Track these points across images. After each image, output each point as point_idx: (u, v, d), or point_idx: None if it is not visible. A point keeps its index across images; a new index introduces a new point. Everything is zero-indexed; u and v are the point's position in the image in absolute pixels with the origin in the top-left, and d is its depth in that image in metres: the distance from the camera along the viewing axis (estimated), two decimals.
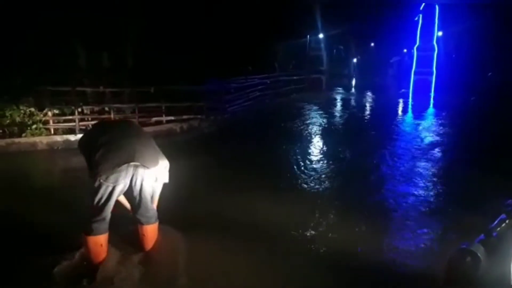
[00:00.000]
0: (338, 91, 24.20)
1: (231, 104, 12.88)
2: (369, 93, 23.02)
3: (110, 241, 3.19)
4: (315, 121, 11.96)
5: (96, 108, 10.10)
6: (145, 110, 10.27)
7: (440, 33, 22.98)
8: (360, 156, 7.48)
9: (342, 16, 26.18)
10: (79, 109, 9.21)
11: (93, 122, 9.11)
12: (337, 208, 4.70)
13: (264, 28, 19.35)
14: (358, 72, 38.08)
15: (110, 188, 3.01)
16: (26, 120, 8.49)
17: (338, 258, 3.49)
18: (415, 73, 22.16)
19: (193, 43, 14.61)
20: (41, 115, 8.75)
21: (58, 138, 8.43)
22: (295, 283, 3.14)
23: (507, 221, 2.90)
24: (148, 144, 3.30)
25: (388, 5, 26.35)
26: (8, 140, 8.02)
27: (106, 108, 10.03)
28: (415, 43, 22.70)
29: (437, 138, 9.36)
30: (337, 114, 14.63)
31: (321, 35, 28.09)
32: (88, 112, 9.85)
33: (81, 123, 9.00)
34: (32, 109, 8.63)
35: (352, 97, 21.78)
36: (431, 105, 17.20)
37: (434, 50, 21.89)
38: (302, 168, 6.53)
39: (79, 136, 8.08)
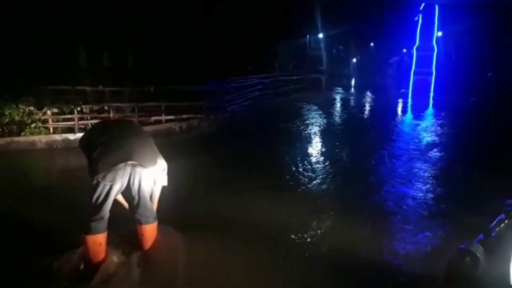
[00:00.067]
0: (338, 91, 24.22)
1: (230, 104, 12.90)
2: (368, 93, 23.05)
3: (109, 240, 3.18)
4: (315, 121, 11.96)
5: (95, 107, 10.11)
6: (145, 110, 10.27)
7: (439, 33, 23.00)
8: (359, 156, 7.49)
9: (342, 16, 26.22)
10: (78, 108, 9.21)
11: (92, 121, 9.12)
12: (337, 208, 4.70)
13: (264, 28, 19.36)
14: (357, 72, 38.12)
15: (107, 187, 3.01)
16: (25, 119, 8.49)
17: (338, 258, 3.49)
18: (414, 73, 22.17)
19: (193, 43, 14.62)
20: (40, 114, 8.75)
21: (57, 137, 8.43)
22: (295, 283, 3.14)
23: (506, 221, 2.90)
24: (147, 144, 3.30)
25: (388, 5, 26.36)
26: (8, 139, 8.02)
27: (106, 107, 10.04)
28: (414, 43, 22.71)
29: (437, 138, 9.36)
30: (337, 114, 14.64)
31: (321, 35, 28.09)
32: (88, 111, 9.85)
33: (80, 122, 9.00)
34: (31, 108, 8.64)
35: (352, 97, 21.81)
36: (431, 105, 17.22)
37: (433, 50, 21.90)
38: (302, 168, 6.53)
39: (78, 135, 8.16)
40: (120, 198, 3.39)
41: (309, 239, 3.87)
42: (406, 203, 4.93)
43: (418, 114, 13.89)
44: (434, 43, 22.08)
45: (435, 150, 8.04)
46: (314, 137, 9.68)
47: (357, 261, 3.45)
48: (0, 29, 9.54)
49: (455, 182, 5.83)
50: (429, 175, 6.24)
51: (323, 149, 8.25)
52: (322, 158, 7.31)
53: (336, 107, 17.04)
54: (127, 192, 3.21)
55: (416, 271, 3.32)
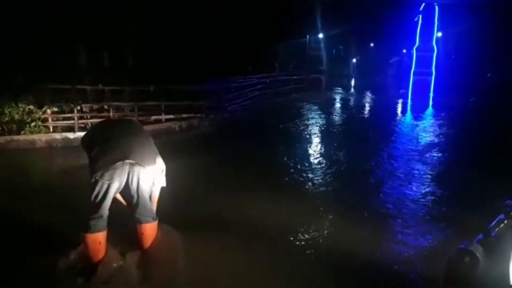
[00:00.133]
0: (338, 91, 24.23)
1: (230, 103, 12.91)
2: (368, 93, 23.06)
3: (109, 239, 3.18)
4: (315, 121, 11.97)
5: (95, 106, 10.11)
6: (145, 109, 10.27)
7: (439, 34, 22.99)
8: (358, 157, 7.48)
9: (342, 16, 26.23)
10: (78, 107, 9.21)
11: (92, 120, 9.13)
12: (337, 208, 4.71)
13: (264, 28, 19.36)
14: (357, 72, 38.16)
15: (105, 186, 3.02)
16: (25, 117, 8.49)
17: (338, 258, 3.49)
18: (414, 74, 22.15)
19: (193, 43, 14.61)
20: (40, 113, 8.75)
21: (57, 136, 8.43)
22: (295, 283, 3.14)
23: (505, 221, 2.90)
24: (146, 143, 3.30)
25: (388, 5, 26.37)
26: (7, 138, 8.02)
27: (106, 106, 10.04)
28: (414, 43, 22.69)
29: (436, 138, 9.37)
30: (337, 114, 14.65)
31: (321, 35, 28.08)
32: (87, 110, 9.85)
33: (80, 121, 9.00)
34: (31, 107, 8.64)
35: (352, 97, 21.82)
36: (430, 106, 17.23)
37: (433, 51, 21.88)
38: (302, 168, 6.53)
39: (78, 134, 8.17)
40: (119, 197, 3.39)
41: (309, 239, 3.87)
42: (406, 204, 4.92)
43: (418, 114, 13.90)
44: (434, 43, 22.07)
45: (434, 150, 8.05)
46: (314, 137, 9.68)
47: (357, 261, 3.45)
48: (0, 29, 9.53)
49: (454, 182, 5.83)
50: (429, 175, 6.24)
51: (323, 149, 8.25)
52: (322, 158, 7.31)
53: (336, 107, 17.04)
54: (126, 191, 3.22)
55: (415, 271, 3.32)
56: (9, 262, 3.21)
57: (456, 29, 23.01)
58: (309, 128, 10.71)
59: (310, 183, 5.75)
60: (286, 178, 5.99)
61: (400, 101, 18.89)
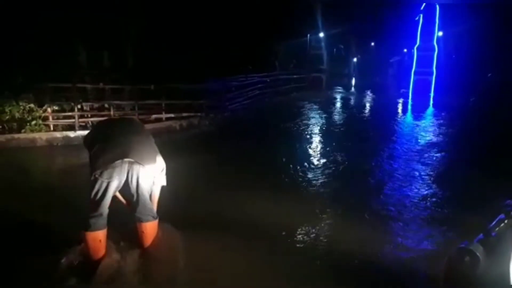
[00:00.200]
0: (338, 90, 24.23)
1: (231, 102, 12.91)
2: (369, 93, 23.05)
3: (110, 238, 3.19)
4: (315, 121, 11.97)
5: (95, 105, 10.11)
6: (145, 107, 10.27)
7: (440, 33, 22.95)
8: (359, 156, 7.47)
9: (342, 15, 26.19)
10: (79, 106, 9.21)
11: (92, 119, 9.14)
12: (337, 208, 4.70)
13: (265, 28, 19.36)
14: (358, 71, 38.10)
15: (105, 184, 3.03)
16: (26, 116, 8.49)
17: (338, 258, 3.49)
18: (415, 73, 22.12)
19: (193, 43, 14.61)
20: (41, 111, 8.75)
21: (58, 134, 8.43)
22: (295, 283, 3.14)
23: (506, 221, 2.90)
24: (146, 142, 3.31)
25: (388, 5, 26.33)
26: (8, 136, 8.02)
27: (106, 105, 10.04)
28: (415, 43, 22.65)
29: (437, 138, 9.36)
30: (337, 113, 14.64)
31: (321, 35, 28.07)
32: (88, 109, 9.85)
33: (80, 120, 9.01)
34: (32, 105, 8.64)
35: (352, 97, 21.82)
36: (431, 105, 17.21)
37: (434, 50, 21.86)
38: (302, 168, 6.53)
39: (79, 132, 8.18)
40: (119, 195, 3.40)
41: (309, 239, 3.87)
42: (406, 204, 4.92)
43: (418, 114, 13.89)
44: (434, 43, 22.04)
45: (435, 150, 8.04)
46: (315, 136, 9.68)
47: (357, 261, 3.45)
48: (1, 28, 9.54)
49: (455, 182, 5.82)
50: (429, 175, 6.23)
51: (323, 149, 8.25)
52: (322, 158, 7.31)
53: (336, 106, 17.03)
54: (126, 190, 3.23)
55: (416, 270, 3.32)
56: (9, 262, 3.21)
57: (456, 29, 22.98)
58: (310, 128, 10.71)
59: (310, 183, 5.74)
60: (287, 178, 5.99)
61: (400, 100, 18.88)
